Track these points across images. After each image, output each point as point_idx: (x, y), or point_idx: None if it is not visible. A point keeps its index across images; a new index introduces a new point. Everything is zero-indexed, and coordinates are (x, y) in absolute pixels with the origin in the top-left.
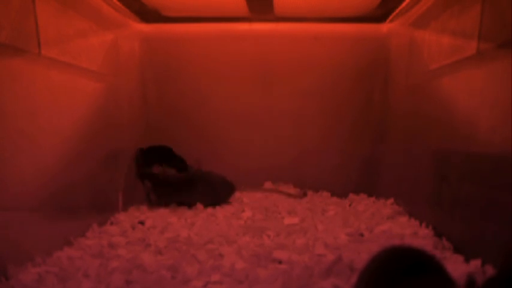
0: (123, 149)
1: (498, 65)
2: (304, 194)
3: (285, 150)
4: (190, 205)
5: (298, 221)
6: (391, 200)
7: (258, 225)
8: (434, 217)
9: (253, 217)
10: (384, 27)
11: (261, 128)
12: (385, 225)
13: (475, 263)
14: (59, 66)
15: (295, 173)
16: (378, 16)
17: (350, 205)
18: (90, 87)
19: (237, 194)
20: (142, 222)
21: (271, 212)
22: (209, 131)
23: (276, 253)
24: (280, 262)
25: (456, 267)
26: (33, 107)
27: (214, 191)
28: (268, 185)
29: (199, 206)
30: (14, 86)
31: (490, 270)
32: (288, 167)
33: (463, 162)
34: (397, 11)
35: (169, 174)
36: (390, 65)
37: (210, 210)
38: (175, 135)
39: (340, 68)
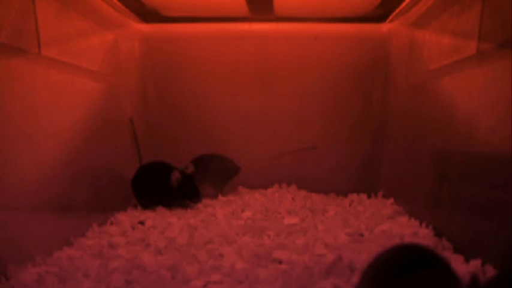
0: (123, 149)
1: (498, 65)
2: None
3: (285, 150)
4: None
5: (298, 221)
6: (391, 200)
7: (258, 225)
8: (434, 217)
9: (253, 217)
10: (384, 27)
11: (261, 127)
12: (385, 225)
13: (475, 263)
14: (59, 66)
15: (295, 173)
16: (378, 16)
17: (350, 205)
18: (90, 87)
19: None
20: (142, 222)
21: (271, 212)
22: (209, 131)
23: (276, 253)
24: (280, 262)
25: (456, 267)
26: (33, 107)
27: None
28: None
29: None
30: (14, 86)
31: (490, 270)
32: (288, 167)
33: (463, 162)
34: (397, 11)
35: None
36: (390, 65)
37: (210, 210)
38: (175, 135)
39: (340, 68)
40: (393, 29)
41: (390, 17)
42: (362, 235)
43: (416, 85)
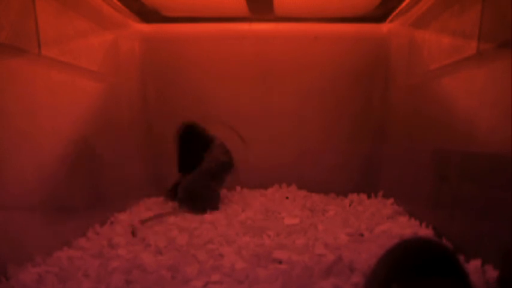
0: (123, 148)
1: (498, 65)
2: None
3: (285, 150)
4: None
5: (299, 221)
6: (391, 200)
7: (258, 225)
8: (434, 217)
9: (253, 217)
10: (384, 27)
11: (261, 127)
12: (385, 225)
13: (475, 263)
14: (59, 66)
15: (295, 172)
16: (378, 16)
17: (350, 205)
18: (90, 87)
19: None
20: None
21: (271, 212)
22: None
23: (276, 253)
24: (280, 262)
25: None
26: (33, 107)
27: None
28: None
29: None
30: (14, 86)
31: (490, 270)
32: (288, 167)
33: (462, 162)
34: (397, 11)
35: None
36: (390, 65)
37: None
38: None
39: (340, 68)
40: (393, 29)
41: (390, 17)
42: (362, 235)
43: (416, 85)
